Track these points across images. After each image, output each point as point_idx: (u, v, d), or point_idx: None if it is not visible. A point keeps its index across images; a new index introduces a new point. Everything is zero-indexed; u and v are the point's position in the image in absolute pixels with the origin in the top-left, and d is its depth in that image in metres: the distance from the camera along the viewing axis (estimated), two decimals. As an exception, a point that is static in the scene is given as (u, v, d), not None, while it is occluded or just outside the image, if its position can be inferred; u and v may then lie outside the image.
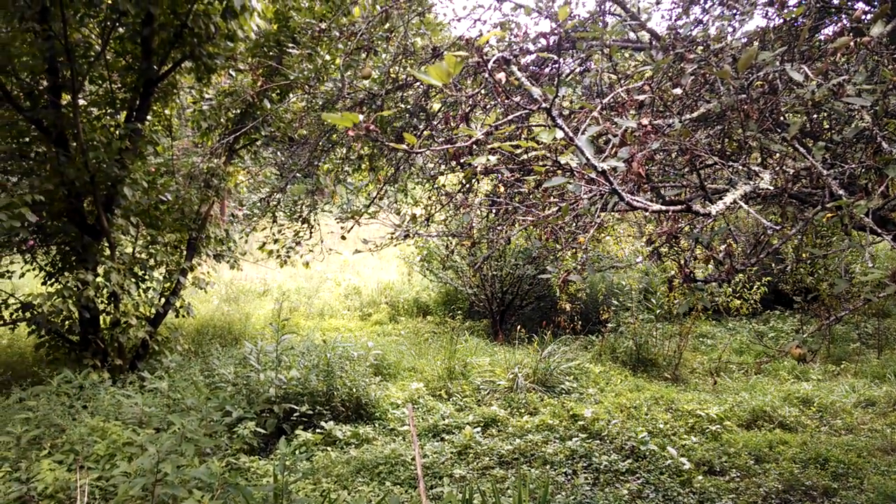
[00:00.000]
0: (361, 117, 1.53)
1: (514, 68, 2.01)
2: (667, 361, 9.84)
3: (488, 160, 2.00)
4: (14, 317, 7.73)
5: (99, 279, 7.56)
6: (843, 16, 3.91)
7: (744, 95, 2.74)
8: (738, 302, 10.48)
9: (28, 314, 7.59)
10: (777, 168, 2.91)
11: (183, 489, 4.30)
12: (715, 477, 6.15)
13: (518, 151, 2.12)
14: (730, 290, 10.52)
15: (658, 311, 10.14)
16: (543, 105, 1.81)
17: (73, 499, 4.65)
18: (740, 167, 2.89)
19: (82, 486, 4.62)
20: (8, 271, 7.94)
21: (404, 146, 1.85)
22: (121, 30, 7.98)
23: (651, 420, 7.43)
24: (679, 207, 2.11)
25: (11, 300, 7.79)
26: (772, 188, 2.75)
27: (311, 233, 7.47)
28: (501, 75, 1.94)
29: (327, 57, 7.74)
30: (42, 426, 5.62)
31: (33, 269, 8.39)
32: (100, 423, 5.60)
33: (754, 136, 2.66)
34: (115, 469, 4.83)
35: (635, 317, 10.13)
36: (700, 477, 6.07)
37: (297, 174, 7.10)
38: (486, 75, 1.97)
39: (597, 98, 3.80)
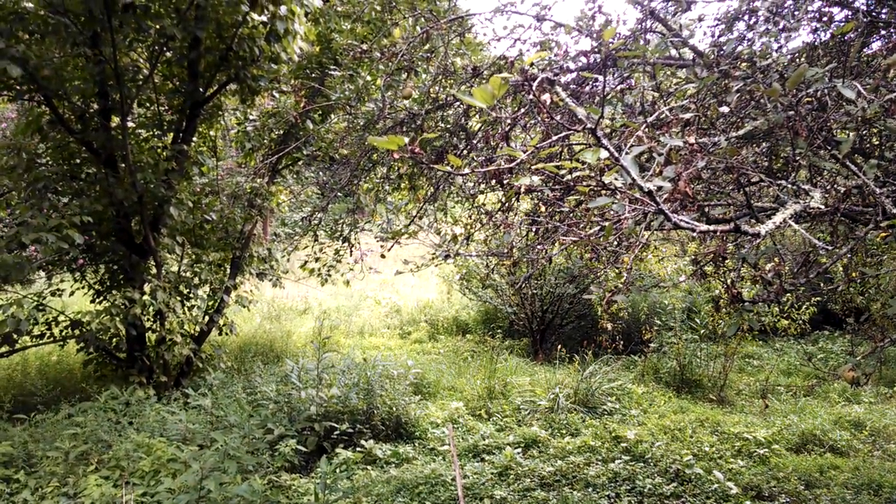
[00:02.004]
0: (406, 140, 1.53)
1: (559, 88, 2.00)
2: (712, 382, 9.63)
3: (532, 181, 1.99)
4: (64, 334, 7.90)
5: (145, 297, 7.71)
6: (893, 31, 3.83)
7: (792, 112, 2.68)
8: (786, 322, 10.23)
9: (77, 331, 7.76)
10: (828, 186, 2.85)
11: (226, 507, 4.33)
12: (763, 502, 5.98)
13: (562, 172, 2.10)
14: (777, 309, 10.27)
15: (702, 331, 9.95)
16: (588, 126, 1.79)
17: (119, 514, 4.71)
18: (789, 185, 2.83)
19: (128, 501, 4.69)
20: (59, 289, 8.15)
21: (448, 167, 1.85)
22: (168, 54, 8.18)
23: (696, 442, 7.27)
24: (727, 227, 2.07)
25: (61, 317, 7.98)
26: (822, 206, 2.69)
27: (351, 251, 7.52)
28: (546, 96, 1.93)
29: (368, 78, 7.84)
30: (90, 442, 5.73)
31: (83, 288, 8.59)
32: (145, 440, 5.69)
33: (804, 153, 2.61)
34: (160, 485, 4.90)
35: (679, 336, 9.95)
36: (748, 502, 5.90)
37: (338, 193, 7.17)
38: (530, 96, 1.97)
39: (639, 116, 3.77)
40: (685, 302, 10.39)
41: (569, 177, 2.23)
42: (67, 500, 4.90)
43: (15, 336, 6.79)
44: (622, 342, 11.27)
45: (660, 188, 1.94)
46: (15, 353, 7.50)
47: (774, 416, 8.24)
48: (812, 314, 10.47)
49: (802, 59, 3.69)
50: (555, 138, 1.89)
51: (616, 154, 1.85)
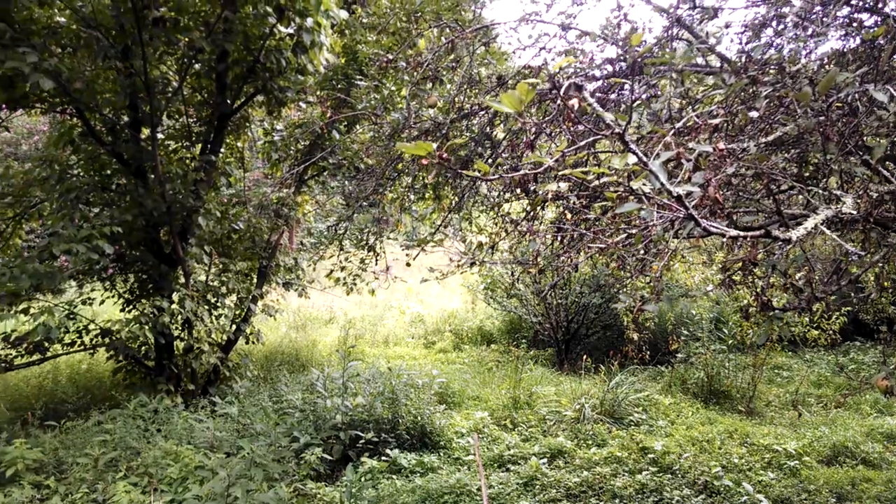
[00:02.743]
0: (435, 146, 1.54)
1: (587, 94, 2.00)
2: (740, 394, 9.50)
3: (559, 187, 1.99)
4: (94, 342, 8.02)
5: (174, 306, 7.80)
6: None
7: (823, 117, 2.65)
8: (816, 333, 10.06)
9: (107, 340, 7.87)
10: (860, 192, 2.80)
11: (252, 514, 4.35)
12: (795, 515, 5.88)
13: (589, 178, 2.10)
14: (806, 320, 10.11)
15: (730, 342, 9.81)
16: (616, 131, 1.79)
17: (148, 521, 4.76)
18: (820, 191, 2.80)
19: (156, 508, 4.73)
20: (89, 298, 8.27)
21: (477, 173, 1.85)
22: (197, 66, 8.31)
23: (725, 454, 7.17)
24: (758, 233, 2.05)
25: (91, 326, 8.10)
26: (854, 213, 2.65)
27: (376, 260, 7.54)
28: (574, 101, 1.93)
29: (393, 88, 7.89)
30: (118, 449, 5.80)
31: (112, 297, 8.71)
32: (173, 447, 5.74)
33: (835, 159, 2.57)
34: (188, 492, 4.94)
35: (706, 347, 9.83)
36: (779, 515, 5.81)
37: (364, 203, 7.20)
38: (558, 102, 1.97)
39: (666, 123, 3.74)
40: (713, 312, 10.26)
41: (596, 183, 2.23)
42: (97, 506, 4.96)
43: (46, 344, 6.91)
44: (649, 352, 11.16)
45: (689, 193, 1.93)
46: (46, 361, 7.62)
47: (805, 428, 8.10)
48: (842, 324, 10.29)
49: (832, 65, 3.65)
50: (582, 143, 1.88)
51: (644, 159, 1.84)
